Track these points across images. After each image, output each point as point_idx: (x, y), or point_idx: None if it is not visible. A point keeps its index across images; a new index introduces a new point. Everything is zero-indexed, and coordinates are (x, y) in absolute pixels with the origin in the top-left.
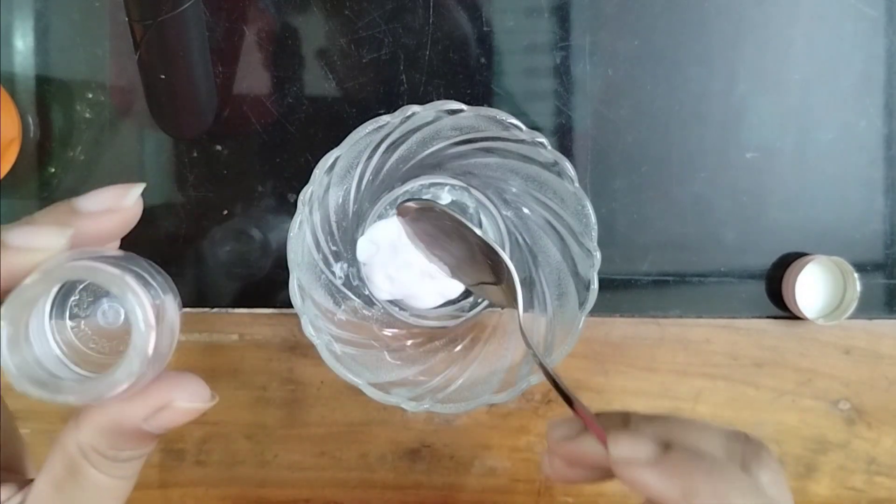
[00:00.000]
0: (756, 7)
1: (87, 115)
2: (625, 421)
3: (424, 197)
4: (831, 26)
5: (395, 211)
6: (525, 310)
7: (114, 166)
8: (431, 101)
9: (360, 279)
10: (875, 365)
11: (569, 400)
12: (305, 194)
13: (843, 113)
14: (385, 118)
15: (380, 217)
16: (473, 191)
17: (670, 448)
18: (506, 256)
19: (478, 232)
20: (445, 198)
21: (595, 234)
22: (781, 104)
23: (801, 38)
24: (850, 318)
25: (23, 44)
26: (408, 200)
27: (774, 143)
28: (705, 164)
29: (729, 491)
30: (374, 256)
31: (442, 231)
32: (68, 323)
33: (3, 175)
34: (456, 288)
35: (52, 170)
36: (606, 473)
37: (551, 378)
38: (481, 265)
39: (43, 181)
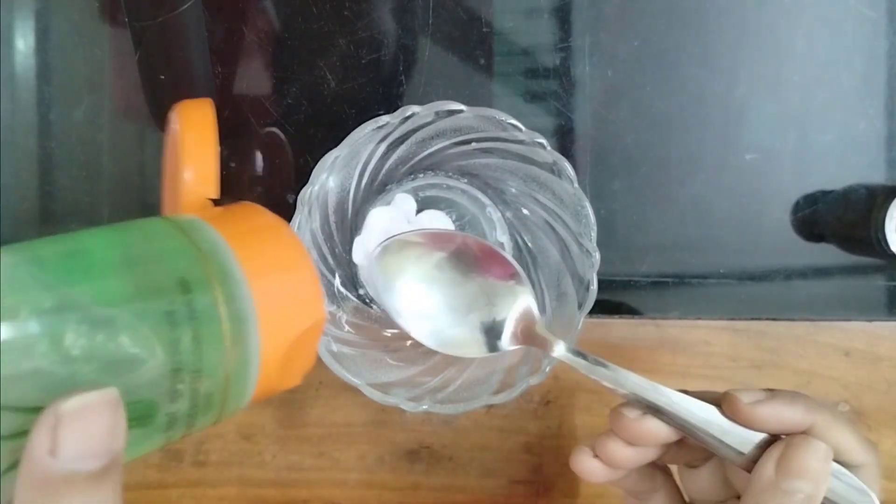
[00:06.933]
0: (756, 9)
1: (87, 116)
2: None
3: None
4: (831, 28)
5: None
6: None
7: (113, 167)
8: (431, 101)
9: (359, 280)
10: (874, 367)
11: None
12: (305, 195)
13: (843, 114)
14: (385, 118)
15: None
16: (473, 191)
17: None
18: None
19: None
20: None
21: (594, 234)
22: (781, 106)
23: (801, 40)
24: (849, 319)
25: (22, 44)
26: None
27: (774, 144)
28: (705, 166)
29: (838, 414)
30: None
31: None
32: None
33: None
34: None
35: (52, 172)
36: (664, 453)
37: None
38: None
39: (42, 184)
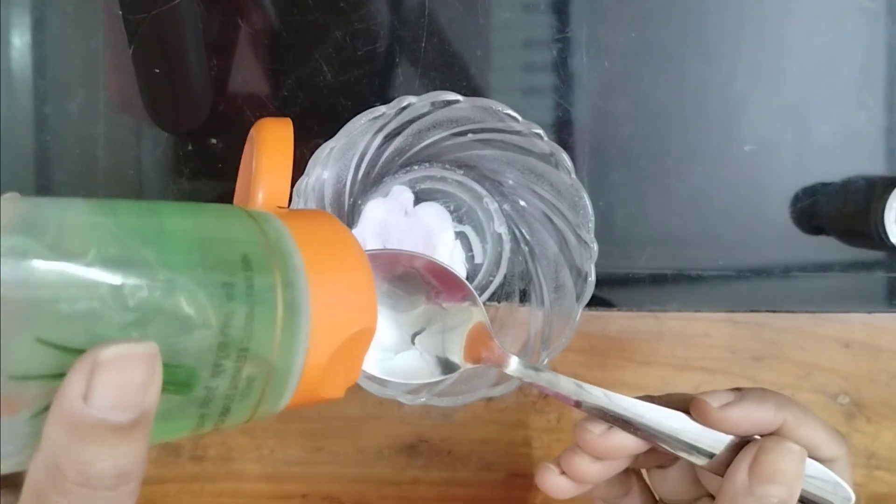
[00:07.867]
0: (755, 0)
1: (82, 109)
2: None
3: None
4: (831, 19)
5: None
6: (521, 303)
7: (109, 160)
8: (427, 93)
9: None
10: (875, 359)
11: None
12: (300, 186)
13: (843, 106)
14: (381, 109)
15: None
16: (470, 182)
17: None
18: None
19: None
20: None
21: (592, 225)
22: (780, 97)
23: (801, 31)
24: (849, 311)
25: (18, 39)
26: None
27: (773, 136)
28: (704, 158)
29: (807, 410)
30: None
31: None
32: None
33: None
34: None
35: (48, 165)
36: (633, 461)
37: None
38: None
39: (37, 178)
